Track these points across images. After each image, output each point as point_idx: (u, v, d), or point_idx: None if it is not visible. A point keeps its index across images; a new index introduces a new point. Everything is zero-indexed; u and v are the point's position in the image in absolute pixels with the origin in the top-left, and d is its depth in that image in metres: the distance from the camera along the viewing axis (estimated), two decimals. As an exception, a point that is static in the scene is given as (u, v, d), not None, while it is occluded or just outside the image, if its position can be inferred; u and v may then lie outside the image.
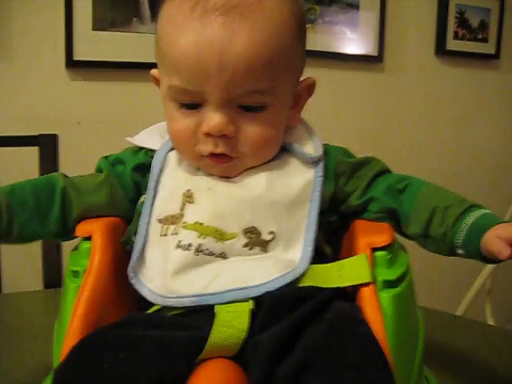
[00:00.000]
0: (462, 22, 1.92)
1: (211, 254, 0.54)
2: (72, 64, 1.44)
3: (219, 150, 0.56)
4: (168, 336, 0.48)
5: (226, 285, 0.52)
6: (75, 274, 0.55)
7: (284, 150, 0.61)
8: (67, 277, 0.56)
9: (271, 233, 0.55)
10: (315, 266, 0.54)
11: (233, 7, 0.51)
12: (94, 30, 1.44)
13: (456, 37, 1.92)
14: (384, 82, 1.85)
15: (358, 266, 0.52)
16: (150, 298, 0.54)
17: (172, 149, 0.63)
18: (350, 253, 0.56)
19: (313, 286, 0.52)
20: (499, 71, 2.05)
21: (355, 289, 0.52)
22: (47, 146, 1.01)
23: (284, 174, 0.59)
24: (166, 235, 0.56)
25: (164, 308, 0.54)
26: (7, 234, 0.56)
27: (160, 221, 0.58)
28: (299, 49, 0.59)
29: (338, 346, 0.43)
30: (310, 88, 0.63)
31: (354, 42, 1.74)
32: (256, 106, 0.56)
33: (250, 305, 0.51)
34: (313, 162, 0.60)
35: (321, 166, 0.60)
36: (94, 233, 0.56)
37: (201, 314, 0.52)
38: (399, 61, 1.86)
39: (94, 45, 1.44)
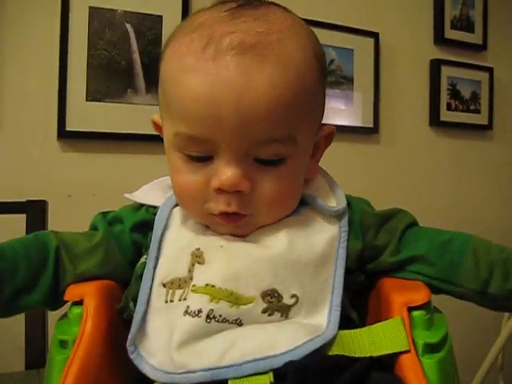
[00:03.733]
0: (455, 93, 1.93)
1: (225, 320, 0.46)
2: (64, 135, 1.40)
3: (232, 208, 0.49)
4: None
5: (244, 354, 0.44)
6: (63, 344, 0.47)
7: (303, 204, 0.54)
8: (53, 348, 0.48)
9: (293, 296, 0.48)
10: (343, 331, 0.47)
11: (251, 47, 0.45)
12: (87, 100, 1.41)
13: (449, 108, 1.93)
14: (380, 153, 1.83)
15: (394, 331, 0.45)
16: (152, 375, 0.46)
17: (177, 204, 0.56)
18: (381, 315, 0.49)
19: (343, 355, 0.44)
20: (493, 141, 2.06)
21: (392, 355, 0.45)
22: (35, 213, 0.95)
23: (305, 230, 0.52)
24: (172, 301, 0.49)
25: None
26: None
27: (165, 285, 0.50)
28: (320, 93, 0.53)
29: None
30: (330, 137, 0.57)
31: (349, 113, 1.74)
32: (274, 160, 0.49)
33: (270, 378, 0.43)
34: (336, 216, 0.53)
35: (345, 219, 0.53)
36: (87, 296, 0.49)
37: None
38: (395, 132, 1.86)
39: (87, 115, 1.42)
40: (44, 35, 1.35)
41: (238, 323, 0.46)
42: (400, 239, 0.54)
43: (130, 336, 0.48)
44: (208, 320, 0.46)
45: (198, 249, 0.50)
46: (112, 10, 1.43)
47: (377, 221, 0.56)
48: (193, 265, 0.50)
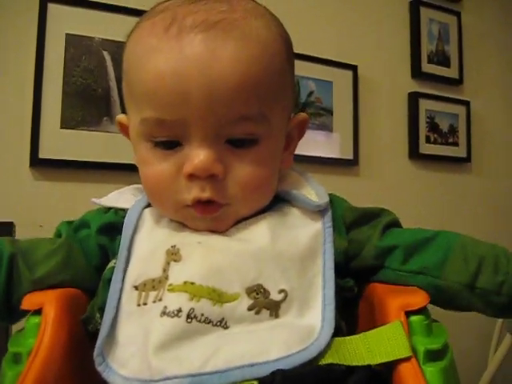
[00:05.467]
0: (433, 126, 1.94)
1: (207, 321, 0.41)
2: (37, 162, 1.35)
3: (206, 194, 0.46)
4: None
5: (230, 360, 0.39)
6: (16, 357, 0.41)
7: (282, 201, 0.51)
8: (5, 363, 0.42)
9: (282, 291, 0.44)
10: (338, 338, 0.42)
11: (215, 23, 0.44)
12: (61, 128, 1.37)
13: (428, 141, 1.93)
14: (360, 185, 1.82)
15: (393, 337, 0.41)
16: None
17: (148, 205, 0.52)
18: (374, 323, 0.44)
19: (337, 365, 0.40)
20: (471, 174, 2.07)
21: (390, 364, 0.40)
22: (1, 235, 0.88)
23: (287, 225, 0.49)
24: (145, 304, 0.44)
25: None
26: None
27: (136, 288, 0.45)
28: (289, 75, 0.51)
29: None
30: (302, 126, 0.55)
31: (328, 145, 1.72)
32: (247, 140, 0.46)
33: None
34: (319, 211, 0.50)
35: (329, 215, 0.50)
36: (46, 304, 0.43)
37: None
38: (374, 164, 1.85)
39: (61, 143, 1.37)
40: (19, 60, 1.32)
41: (223, 326, 0.42)
42: (382, 233, 0.51)
43: (97, 345, 0.42)
44: (189, 320, 0.41)
45: (174, 246, 0.46)
46: (89, 37, 1.40)
47: (360, 217, 0.53)
48: (168, 263, 0.45)
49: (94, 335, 0.44)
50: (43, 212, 1.37)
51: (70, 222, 0.54)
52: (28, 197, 1.36)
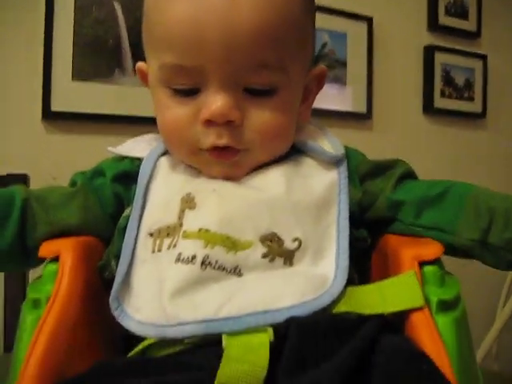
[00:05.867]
0: (448, 80, 1.91)
1: (222, 268, 0.42)
2: (49, 115, 1.35)
3: (223, 141, 0.46)
4: (161, 383, 0.36)
5: (244, 307, 0.40)
6: (35, 303, 0.42)
7: (298, 151, 0.51)
8: (25, 308, 0.43)
9: (296, 240, 0.44)
10: (352, 287, 0.43)
11: None
12: (73, 80, 1.36)
13: (443, 95, 1.90)
14: (373, 139, 1.80)
15: (407, 287, 0.41)
16: (139, 331, 0.41)
17: (163, 153, 0.52)
18: (387, 274, 0.44)
19: (351, 313, 0.40)
20: (486, 130, 2.04)
21: (402, 315, 0.40)
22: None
23: (303, 174, 0.49)
24: (159, 251, 0.44)
25: (153, 347, 0.41)
26: None
27: (151, 235, 0.46)
28: (309, 26, 0.50)
29: None
30: (320, 79, 0.54)
31: (341, 98, 1.70)
32: (265, 90, 0.46)
33: (269, 335, 0.38)
34: (334, 162, 0.50)
35: (344, 166, 0.50)
36: (63, 252, 0.44)
37: (203, 351, 0.39)
38: (388, 118, 1.83)
39: (72, 96, 1.36)
40: (28, 12, 1.29)
41: (237, 273, 0.42)
42: (396, 185, 0.51)
43: (112, 291, 0.43)
44: (203, 266, 0.42)
45: (189, 194, 0.46)
46: (99, -14, 1.38)
47: (374, 169, 0.52)
48: (183, 211, 0.45)
49: (110, 282, 0.45)
50: (56, 164, 1.38)
51: (84, 172, 0.54)
52: (41, 150, 1.37)
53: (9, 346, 0.87)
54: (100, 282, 0.46)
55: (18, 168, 1.28)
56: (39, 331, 0.39)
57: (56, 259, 0.44)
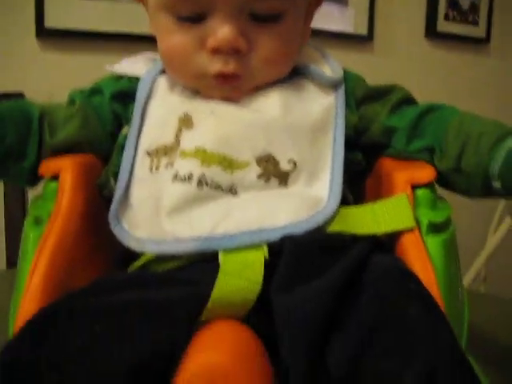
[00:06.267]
0: (453, 3, 1.85)
1: (218, 187, 0.43)
2: (43, 32, 1.31)
3: (230, 68, 0.45)
4: (159, 296, 0.37)
5: (239, 225, 0.41)
6: (37, 220, 0.44)
7: (295, 74, 0.51)
8: (27, 226, 0.45)
9: (291, 161, 0.45)
10: (345, 208, 0.44)
11: None
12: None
13: (447, 18, 1.84)
14: (373, 62, 1.77)
15: (398, 208, 0.42)
16: (137, 247, 0.43)
17: (161, 72, 0.51)
18: (381, 196, 0.45)
19: (344, 233, 0.41)
20: (490, 56, 2.00)
21: (394, 235, 0.42)
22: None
23: (300, 97, 0.49)
24: (157, 169, 0.45)
25: (151, 263, 0.43)
26: None
27: (149, 153, 0.46)
28: None
29: (397, 311, 0.34)
30: None
31: (342, 19, 1.66)
32: (270, 16, 0.46)
33: (264, 252, 0.40)
34: (332, 86, 0.50)
35: (342, 89, 0.50)
36: (63, 170, 0.44)
37: (200, 267, 0.41)
38: (389, 41, 1.79)
39: (67, 11, 1.32)
40: None
41: (233, 192, 0.43)
42: (391, 110, 0.50)
43: (111, 209, 0.44)
44: (200, 185, 0.42)
45: (186, 113, 0.47)
46: None
47: (371, 93, 0.52)
48: (180, 130, 0.46)
49: (110, 200, 0.46)
50: (52, 83, 1.35)
51: (82, 90, 0.54)
52: (36, 68, 1.34)
53: (11, 262, 0.89)
54: (100, 200, 0.47)
55: (13, 85, 1.26)
56: (42, 247, 0.41)
57: (56, 177, 0.45)
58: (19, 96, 0.93)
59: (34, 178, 0.49)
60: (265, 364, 0.36)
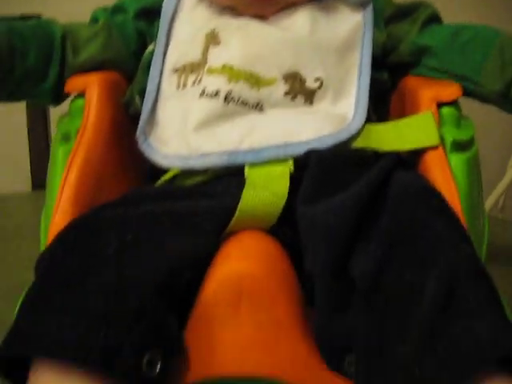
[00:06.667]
0: None
1: (244, 103, 0.43)
2: None
3: None
4: (187, 208, 0.38)
5: (265, 140, 0.42)
6: (65, 137, 0.44)
7: None
8: (55, 142, 0.46)
9: (318, 79, 0.45)
10: (370, 125, 0.44)
11: None
12: None
13: None
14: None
15: (423, 126, 0.42)
16: (165, 163, 0.44)
17: None
18: (404, 115, 0.45)
19: (368, 149, 0.42)
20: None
21: (416, 154, 0.42)
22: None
23: (328, 16, 0.48)
24: (184, 86, 0.45)
25: (178, 178, 0.43)
26: (1, 84, 0.45)
27: (176, 71, 0.46)
28: None
29: (420, 223, 0.34)
30: None
31: None
32: None
33: (289, 166, 0.41)
34: (360, 4, 0.49)
35: (370, 8, 0.49)
36: (89, 87, 0.45)
37: (226, 181, 0.42)
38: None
39: None
40: None
41: (259, 108, 0.43)
42: (421, 28, 0.50)
43: (139, 125, 0.45)
44: (226, 101, 0.43)
45: (213, 30, 0.46)
46: None
47: (399, 11, 0.51)
48: (207, 47, 0.46)
49: (135, 118, 0.46)
50: (72, 3, 1.33)
51: (105, 9, 0.53)
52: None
53: (36, 184, 0.92)
54: (126, 117, 0.48)
55: (31, 9, 1.24)
56: (71, 163, 0.42)
57: (82, 95, 0.45)
58: (37, 18, 0.92)
59: (57, 97, 0.50)
60: (290, 273, 0.38)
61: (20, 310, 0.32)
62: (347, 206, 0.36)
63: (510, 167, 1.46)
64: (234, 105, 0.43)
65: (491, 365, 0.28)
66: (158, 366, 0.32)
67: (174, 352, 0.34)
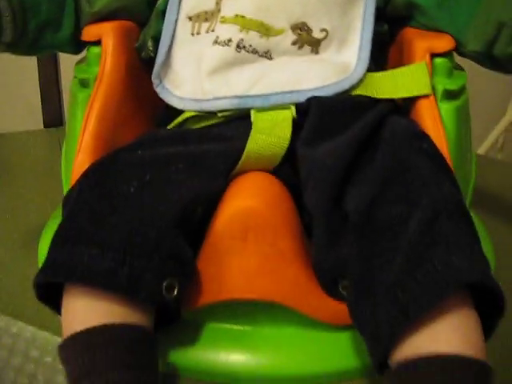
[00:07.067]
0: None
1: (254, 51, 0.46)
2: None
3: None
4: (199, 150, 0.42)
5: (272, 86, 0.45)
6: (84, 82, 0.48)
7: None
8: (74, 87, 0.49)
9: (323, 30, 0.47)
10: (369, 74, 0.47)
11: None
12: None
13: None
14: None
15: (416, 75, 0.45)
16: (179, 105, 0.47)
17: None
18: (400, 65, 0.48)
19: (366, 96, 0.45)
20: None
21: (410, 101, 0.45)
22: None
23: None
24: (198, 33, 0.48)
25: (189, 121, 0.47)
26: (19, 39, 0.47)
27: (190, 18, 0.48)
28: None
29: (409, 164, 0.38)
30: None
31: None
32: None
33: (292, 112, 0.45)
34: None
35: None
36: (105, 35, 0.47)
37: (234, 125, 0.46)
38: None
39: None
40: None
41: (268, 57, 0.46)
42: None
43: (155, 69, 0.48)
44: (238, 49, 0.46)
45: None
46: None
47: None
48: None
49: (149, 63, 0.49)
50: None
51: None
52: None
53: (47, 122, 0.94)
54: (140, 63, 0.51)
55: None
56: (90, 107, 0.45)
57: (98, 42, 0.48)
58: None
59: (77, 46, 0.52)
60: (292, 209, 0.42)
61: (53, 243, 0.36)
62: (344, 147, 0.40)
63: (510, 108, 1.47)
64: (245, 52, 0.46)
65: (464, 289, 0.32)
66: (176, 290, 0.37)
67: (189, 278, 0.39)
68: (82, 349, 0.34)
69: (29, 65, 0.89)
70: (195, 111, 0.46)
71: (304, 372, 0.41)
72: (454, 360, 0.31)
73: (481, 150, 1.44)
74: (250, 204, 0.39)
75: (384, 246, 0.35)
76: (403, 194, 0.36)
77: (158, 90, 0.48)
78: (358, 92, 0.46)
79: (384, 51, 0.54)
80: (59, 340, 0.36)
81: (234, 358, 0.41)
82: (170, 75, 0.48)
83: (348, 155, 0.39)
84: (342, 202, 0.39)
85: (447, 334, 0.32)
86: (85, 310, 0.35)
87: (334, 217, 0.39)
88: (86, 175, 0.40)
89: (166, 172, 0.40)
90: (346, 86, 0.46)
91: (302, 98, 0.45)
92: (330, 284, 0.40)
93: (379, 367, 0.35)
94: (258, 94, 0.45)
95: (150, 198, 0.38)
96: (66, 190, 0.48)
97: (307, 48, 0.47)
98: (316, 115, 0.43)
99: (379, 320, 0.33)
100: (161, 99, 0.48)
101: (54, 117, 0.93)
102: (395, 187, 0.37)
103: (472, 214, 0.37)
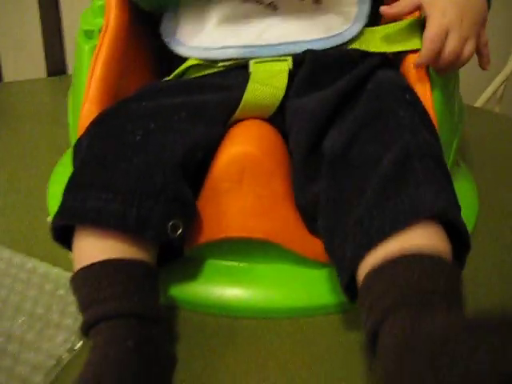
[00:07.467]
0: None
1: (260, 2, 0.48)
2: None
3: None
4: (199, 100, 0.45)
5: (279, 37, 0.48)
6: (89, 33, 0.50)
7: None
8: (80, 38, 0.51)
9: None
10: (365, 28, 0.48)
11: None
12: None
13: None
14: None
15: (408, 31, 0.47)
16: (186, 53, 0.49)
17: None
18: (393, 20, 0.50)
19: (358, 50, 0.47)
20: None
21: (401, 56, 0.47)
22: None
23: None
24: None
25: (190, 70, 0.49)
26: None
27: None
28: None
29: (389, 111, 0.40)
30: None
31: None
32: None
33: (288, 64, 0.47)
34: None
35: None
36: (109, -13, 0.49)
37: (233, 75, 0.48)
38: None
39: None
40: None
41: (273, 7, 0.48)
42: None
43: (164, 21, 0.49)
44: (245, 1, 0.47)
45: None
46: None
47: None
48: None
49: (153, 15, 0.50)
50: None
51: None
52: None
53: (50, 70, 0.95)
54: (142, 16, 0.52)
55: None
56: (96, 57, 0.47)
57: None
58: None
59: None
60: (285, 154, 0.45)
61: (67, 189, 0.39)
62: (328, 95, 0.43)
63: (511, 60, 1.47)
64: (252, 4, 0.48)
65: (435, 223, 0.34)
66: (180, 230, 0.40)
67: (191, 218, 0.42)
68: (89, 279, 0.37)
69: (31, 14, 0.89)
70: (201, 59, 0.48)
71: (293, 305, 0.44)
72: (415, 255, 0.32)
73: (479, 102, 1.44)
74: (246, 149, 0.42)
75: (356, 181, 0.37)
76: (379, 137, 0.38)
77: (167, 40, 0.49)
78: (354, 46, 0.48)
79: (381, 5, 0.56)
80: (70, 275, 0.39)
81: (229, 292, 0.44)
82: (180, 26, 0.49)
83: (331, 102, 0.42)
84: (320, 144, 0.42)
85: None
86: (94, 248, 0.38)
87: (312, 156, 0.42)
88: (94, 125, 0.42)
89: (169, 121, 0.43)
90: (343, 39, 0.48)
91: (302, 49, 0.47)
92: (310, 221, 0.43)
93: (351, 296, 0.37)
94: (265, 44, 0.47)
95: (155, 145, 0.41)
96: (73, 136, 0.51)
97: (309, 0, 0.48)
98: (308, 67, 0.46)
99: (347, 247, 0.35)
100: (164, 51, 0.50)
101: (57, 66, 0.94)
102: (372, 129, 0.39)
103: (462, 165, 0.38)
